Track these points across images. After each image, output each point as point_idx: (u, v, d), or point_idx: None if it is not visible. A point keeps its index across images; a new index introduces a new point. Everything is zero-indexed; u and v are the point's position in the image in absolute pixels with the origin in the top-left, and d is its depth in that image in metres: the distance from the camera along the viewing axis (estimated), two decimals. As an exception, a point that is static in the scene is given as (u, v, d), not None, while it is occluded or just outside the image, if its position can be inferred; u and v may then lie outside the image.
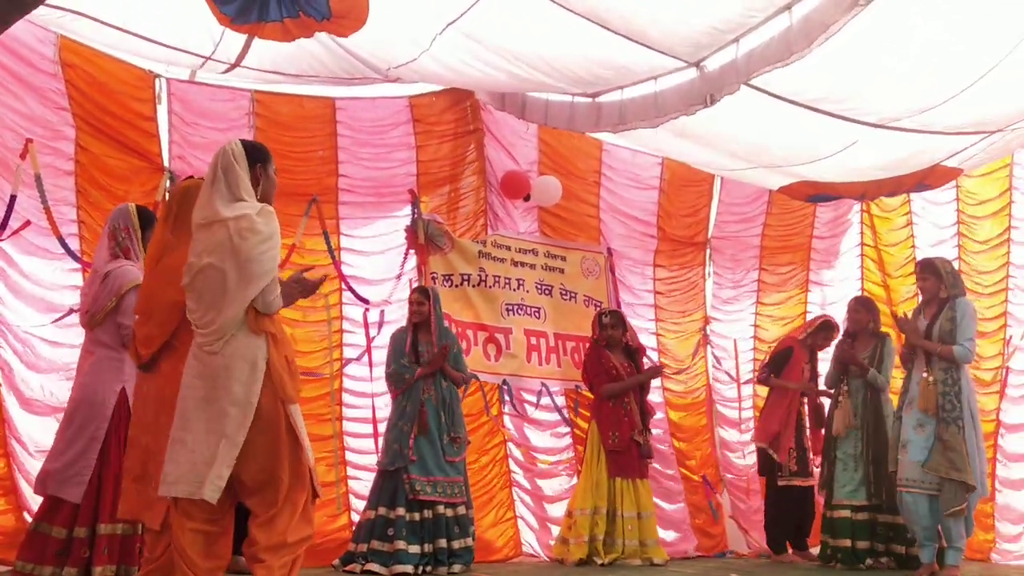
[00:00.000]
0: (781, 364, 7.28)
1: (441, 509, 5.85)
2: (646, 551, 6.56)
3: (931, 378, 5.90)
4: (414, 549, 5.70)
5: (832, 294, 8.57)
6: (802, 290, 8.65)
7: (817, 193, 7.40)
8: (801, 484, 7.04)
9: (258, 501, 3.33)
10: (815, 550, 6.96)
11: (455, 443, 6.00)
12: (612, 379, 6.79)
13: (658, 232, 8.13)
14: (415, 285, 6.52)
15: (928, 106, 5.64)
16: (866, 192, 7.21)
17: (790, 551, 7.13)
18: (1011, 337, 8.07)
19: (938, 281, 6.12)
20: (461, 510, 5.98)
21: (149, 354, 3.74)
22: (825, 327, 7.30)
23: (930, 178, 7.01)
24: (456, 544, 5.88)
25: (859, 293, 8.27)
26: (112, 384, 4.35)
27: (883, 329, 7.01)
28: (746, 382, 8.21)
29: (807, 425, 7.15)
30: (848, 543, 6.43)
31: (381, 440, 6.14)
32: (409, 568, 5.62)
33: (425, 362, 6.03)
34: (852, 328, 6.82)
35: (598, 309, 7.37)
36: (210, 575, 3.29)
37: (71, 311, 5.33)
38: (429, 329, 6.14)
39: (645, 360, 7.22)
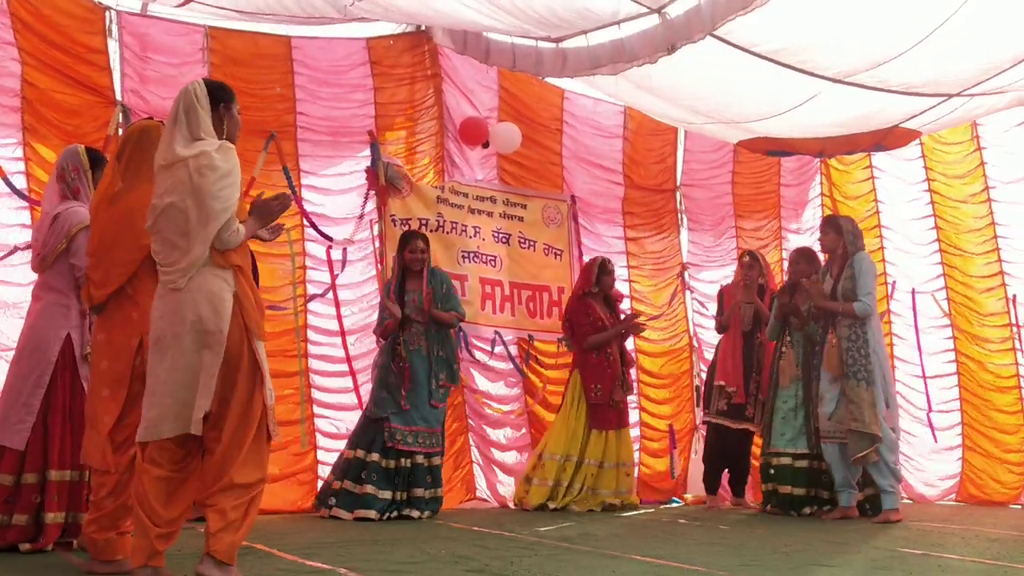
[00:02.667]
0: (721, 310, 7.38)
1: (419, 459, 5.94)
2: (597, 497, 6.64)
3: (834, 339, 6.21)
4: (384, 495, 5.78)
5: (801, 243, 8.49)
6: (776, 237, 8.73)
7: (776, 148, 7.42)
8: (730, 425, 7.08)
9: (210, 436, 3.31)
10: (756, 503, 7.14)
11: (442, 389, 6.09)
12: (597, 330, 6.81)
13: (625, 180, 8.13)
14: (408, 229, 6.39)
15: (884, 59, 5.65)
16: (824, 149, 7.26)
17: (728, 500, 7.27)
18: (1015, 296, 8.24)
19: (838, 236, 6.39)
20: (436, 460, 6.06)
21: (104, 296, 3.70)
22: (751, 260, 7.35)
23: (888, 139, 7.07)
24: (427, 493, 5.95)
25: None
26: (58, 330, 4.24)
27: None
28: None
29: (759, 370, 7.15)
30: (789, 489, 6.59)
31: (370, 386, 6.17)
32: (372, 514, 5.69)
33: (413, 310, 6.05)
34: (793, 279, 6.85)
35: (594, 257, 7.24)
36: (169, 525, 3.27)
37: (16, 249, 5.26)
38: (420, 276, 6.13)
39: (622, 308, 7.24)
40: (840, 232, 6.39)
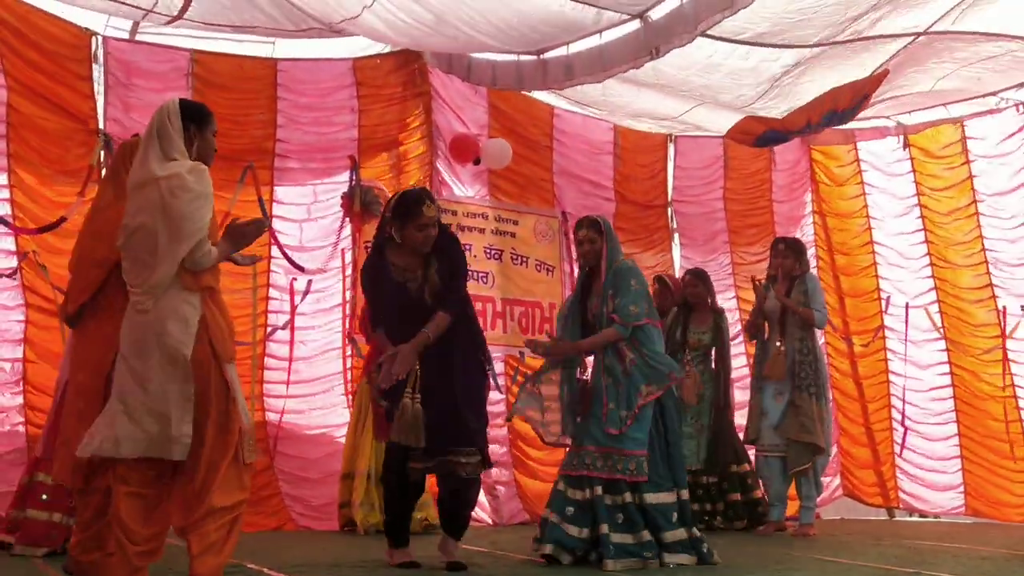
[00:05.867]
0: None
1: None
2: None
3: (782, 347, 6.31)
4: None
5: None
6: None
7: (766, 130, 7.21)
8: None
9: (187, 462, 3.28)
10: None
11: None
12: None
13: (616, 196, 8.15)
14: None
15: (858, 13, 5.72)
16: (810, 119, 6.98)
17: None
18: (1005, 308, 8.30)
19: (796, 260, 6.49)
20: None
21: (74, 309, 3.72)
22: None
23: (868, 87, 6.86)
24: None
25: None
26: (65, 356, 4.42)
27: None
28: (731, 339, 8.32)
29: None
30: (710, 506, 6.71)
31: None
32: None
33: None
34: (690, 300, 6.88)
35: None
36: (149, 542, 3.25)
37: (0, 275, 5.30)
38: (599, 273, 4.71)
39: None
40: (799, 256, 6.51)
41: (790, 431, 6.23)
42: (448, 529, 4.45)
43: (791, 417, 6.24)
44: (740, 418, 8.05)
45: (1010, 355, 8.21)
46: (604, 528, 4.42)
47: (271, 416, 6.48)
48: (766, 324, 6.53)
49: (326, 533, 6.12)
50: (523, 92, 7.38)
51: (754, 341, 6.77)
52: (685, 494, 4.66)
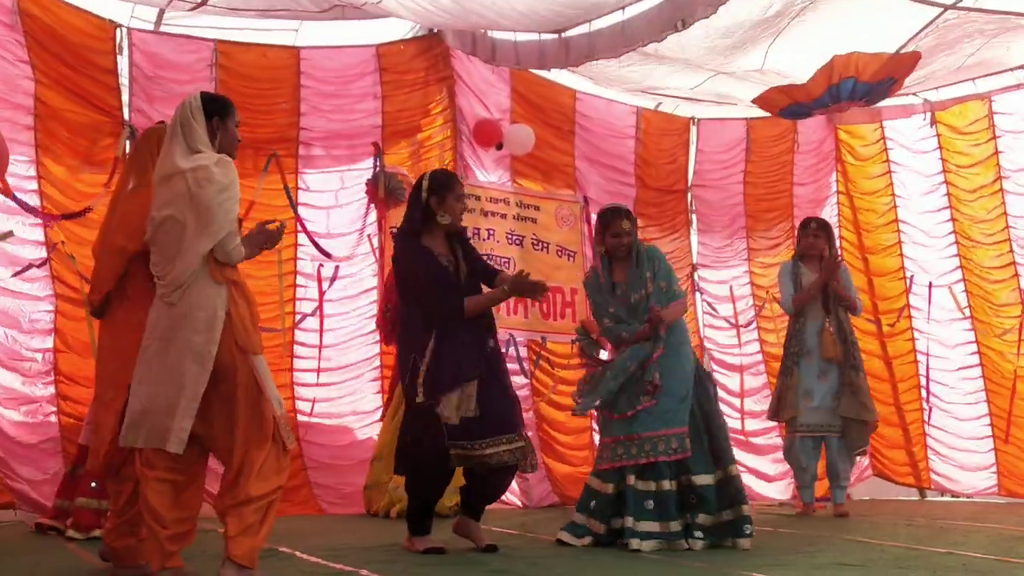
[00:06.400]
0: None
1: None
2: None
3: (831, 327, 6.29)
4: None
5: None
6: (788, 237, 8.64)
7: (790, 103, 7.08)
8: None
9: (221, 454, 3.34)
10: None
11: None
12: None
13: (636, 181, 8.12)
14: (607, 206, 5.03)
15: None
16: (830, 80, 6.75)
17: None
18: None
19: (827, 241, 6.50)
20: None
21: (99, 300, 3.75)
22: None
23: (897, 69, 6.75)
24: None
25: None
26: None
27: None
28: (744, 325, 8.36)
29: None
30: None
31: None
32: None
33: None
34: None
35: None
36: (178, 526, 3.28)
37: (31, 265, 5.38)
38: (627, 262, 4.82)
39: None
40: (830, 236, 6.54)
41: (850, 411, 6.24)
42: (471, 512, 4.50)
43: (849, 396, 6.25)
44: (752, 404, 8.18)
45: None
46: (628, 521, 4.49)
47: (301, 404, 6.51)
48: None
49: (356, 517, 6.15)
50: (546, 75, 7.35)
51: (788, 316, 6.68)
52: (733, 470, 4.69)
